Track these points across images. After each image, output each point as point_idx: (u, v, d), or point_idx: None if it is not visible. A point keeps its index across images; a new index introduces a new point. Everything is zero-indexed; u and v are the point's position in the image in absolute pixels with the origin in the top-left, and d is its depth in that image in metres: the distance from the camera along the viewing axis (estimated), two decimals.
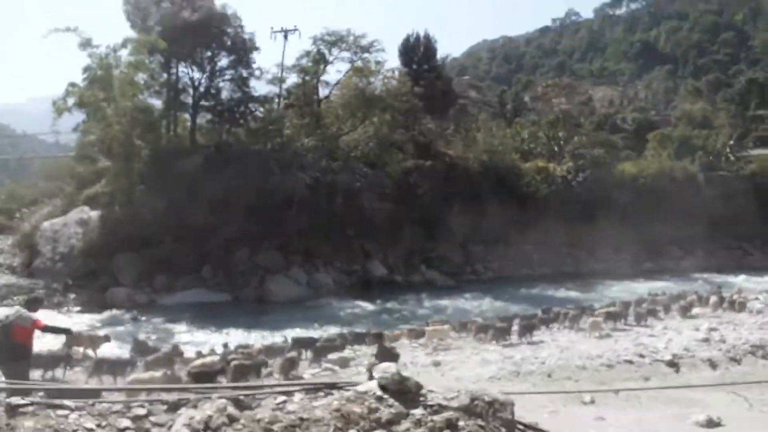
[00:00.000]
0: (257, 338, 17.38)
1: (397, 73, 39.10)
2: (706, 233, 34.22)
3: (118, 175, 26.57)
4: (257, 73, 31.98)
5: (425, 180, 32.05)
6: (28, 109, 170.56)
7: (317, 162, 29.60)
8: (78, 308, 22.26)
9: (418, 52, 45.92)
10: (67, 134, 31.87)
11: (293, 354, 13.10)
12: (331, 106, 35.25)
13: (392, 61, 42.67)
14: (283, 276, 26.00)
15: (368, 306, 24.27)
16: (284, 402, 4.92)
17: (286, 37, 36.50)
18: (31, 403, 4.73)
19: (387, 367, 4.92)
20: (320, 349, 13.84)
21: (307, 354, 13.86)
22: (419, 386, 4.77)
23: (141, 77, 28.40)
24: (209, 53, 30.44)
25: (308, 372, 12.31)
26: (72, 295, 23.11)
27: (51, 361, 11.37)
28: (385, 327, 18.70)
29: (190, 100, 30.89)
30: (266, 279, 25.62)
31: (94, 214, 26.31)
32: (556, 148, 41.32)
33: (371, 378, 5.37)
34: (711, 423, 9.46)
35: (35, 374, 10.08)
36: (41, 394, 5.59)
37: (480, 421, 4.50)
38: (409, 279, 28.99)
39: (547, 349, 14.48)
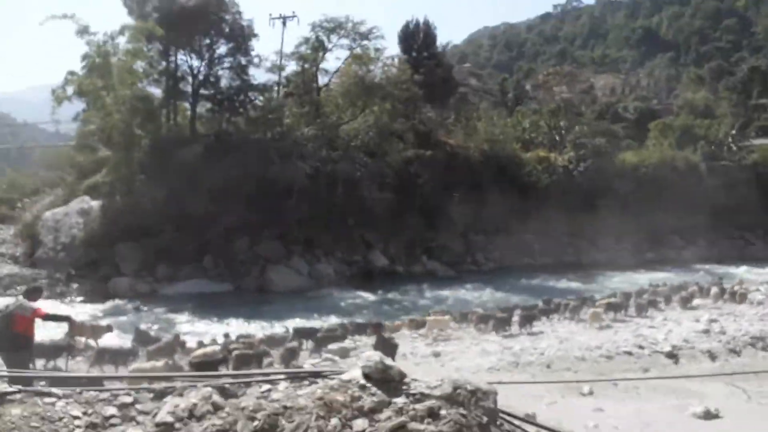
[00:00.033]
0: (258, 328, 17.45)
1: (396, 60, 38.87)
2: (708, 223, 34.15)
3: (119, 165, 26.50)
4: (256, 60, 31.89)
5: (426, 169, 31.92)
6: (29, 98, 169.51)
7: (317, 151, 29.50)
8: (81, 298, 22.38)
9: (417, 39, 45.33)
10: (67, 123, 31.72)
11: (294, 344, 13.20)
12: (331, 95, 35.06)
13: (392, 48, 42.42)
14: (283, 266, 26.04)
15: (369, 296, 24.34)
16: (269, 390, 4.93)
17: (284, 23, 36.28)
18: (19, 391, 4.75)
19: (371, 356, 4.90)
20: (321, 340, 13.94)
21: (308, 344, 13.97)
22: (402, 375, 4.76)
23: (140, 65, 28.23)
24: (208, 40, 30.21)
25: (309, 362, 12.34)
26: (75, 285, 23.21)
27: (53, 350, 11.40)
28: (386, 317, 18.82)
29: (189, 89, 30.74)
30: (267, 269, 25.66)
31: (95, 203, 26.33)
32: (557, 138, 41.15)
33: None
34: (709, 414, 9.54)
35: (38, 364, 10.13)
36: (43, 383, 5.61)
37: (462, 410, 4.48)
38: (410, 269, 29.00)
39: (546, 339, 14.55)
